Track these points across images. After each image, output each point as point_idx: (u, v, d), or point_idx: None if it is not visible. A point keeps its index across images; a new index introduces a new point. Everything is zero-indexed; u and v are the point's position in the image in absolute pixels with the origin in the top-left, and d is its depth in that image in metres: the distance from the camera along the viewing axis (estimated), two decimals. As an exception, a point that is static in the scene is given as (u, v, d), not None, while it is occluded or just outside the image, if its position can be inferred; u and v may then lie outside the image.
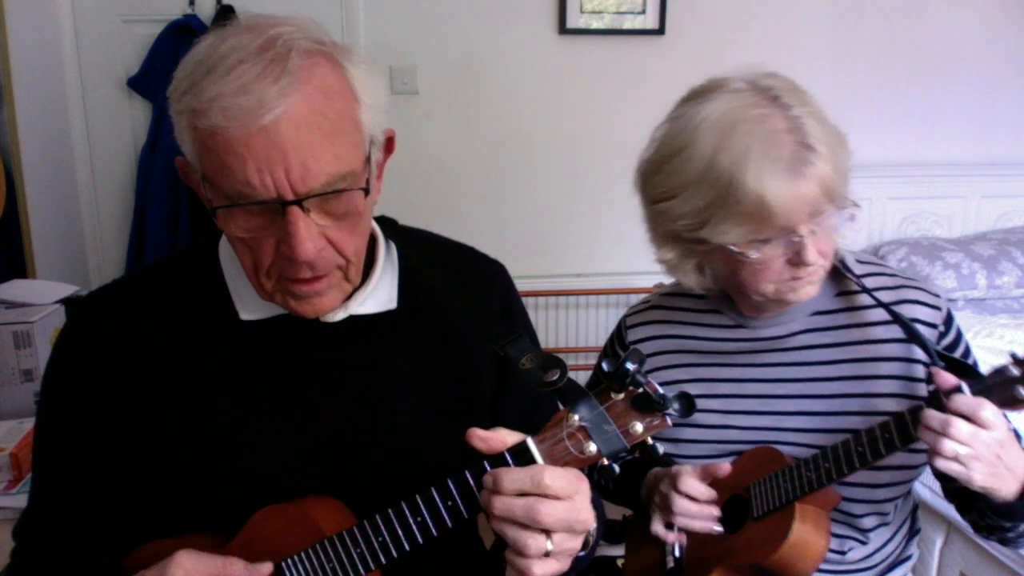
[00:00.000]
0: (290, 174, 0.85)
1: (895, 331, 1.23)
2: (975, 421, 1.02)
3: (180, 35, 2.95)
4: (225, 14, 2.96)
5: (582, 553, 0.90)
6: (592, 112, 3.23)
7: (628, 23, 3.16)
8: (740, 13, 3.19)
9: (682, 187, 1.17)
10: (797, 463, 1.20)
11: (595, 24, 3.15)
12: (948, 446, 1.02)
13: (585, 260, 3.37)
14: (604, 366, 0.83)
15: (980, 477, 1.04)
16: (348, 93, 0.89)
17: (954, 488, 1.23)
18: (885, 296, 1.25)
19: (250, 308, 1.02)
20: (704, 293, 1.33)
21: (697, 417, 1.31)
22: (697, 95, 1.20)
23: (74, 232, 3.10)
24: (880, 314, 1.25)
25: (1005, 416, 1.06)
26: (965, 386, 1.05)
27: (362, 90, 0.91)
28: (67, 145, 3.04)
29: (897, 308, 1.23)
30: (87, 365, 1.02)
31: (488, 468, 0.84)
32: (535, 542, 0.81)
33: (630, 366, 0.80)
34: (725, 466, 1.24)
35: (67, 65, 3.00)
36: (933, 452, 1.04)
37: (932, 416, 1.04)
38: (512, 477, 0.82)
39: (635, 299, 3.27)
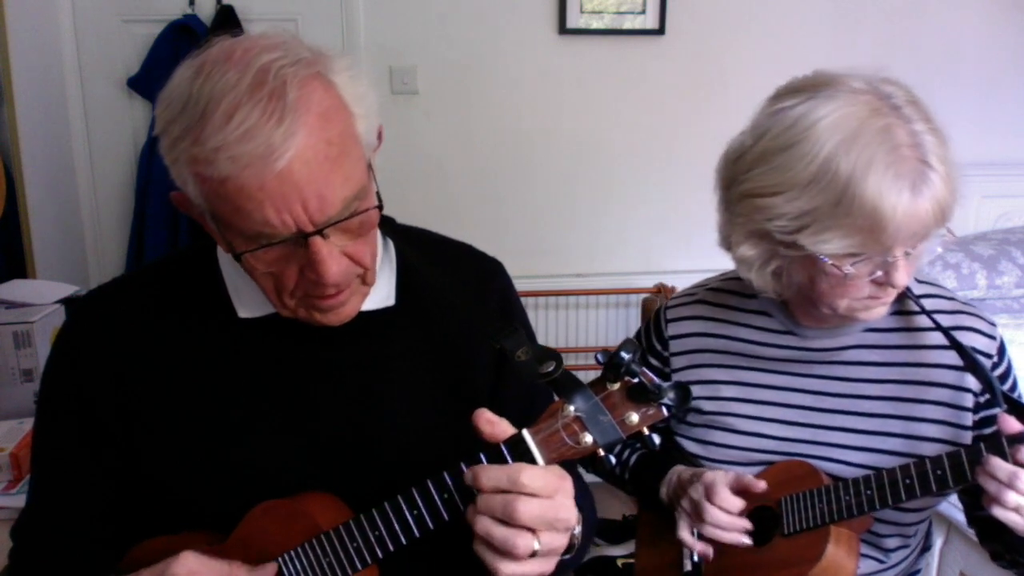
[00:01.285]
0: (308, 208, 0.85)
1: (949, 357, 1.20)
2: None
3: (180, 35, 2.95)
4: (225, 14, 2.96)
5: (567, 556, 0.90)
6: (592, 112, 3.23)
7: (628, 23, 3.16)
8: (740, 13, 3.19)
9: (789, 185, 1.09)
10: (836, 484, 1.17)
11: (595, 24, 3.15)
12: (1012, 499, 1.00)
13: (585, 260, 3.37)
14: (599, 357, 0.83)
15: None
16: (344, 110, 0.89)
17: (980, 516, 1.20)
18: (943, 320, 1.21)
19: (248, 306, 1.03)
20: (761, 294, 1.27)
21: (730, 421, 1.30)
22: (810, 89, 1.12)
23: (74, 232, 3.10)
24: (936, 338, 1.21)
25: None
26: None
27: (353, 101, 0.91)
28: (67, 145, 3.03)
29: (953, 334, 1.19)
30: (86, 364, 1.02)
31: (484, 460, 0.84)
32: (523, 541, 0.81)
33: (625, 355, 0.80)
34: (761, 484, 1.20)
35: (67, 65, 3.00)
36: (993, 501, 1.02)
37: (1000, 467, 1.01)
38: (490, 475, 0.82)
39: (635, 299, 3.30)
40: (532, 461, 0.84)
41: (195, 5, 2.99)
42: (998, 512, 1.02)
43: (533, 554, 0.82)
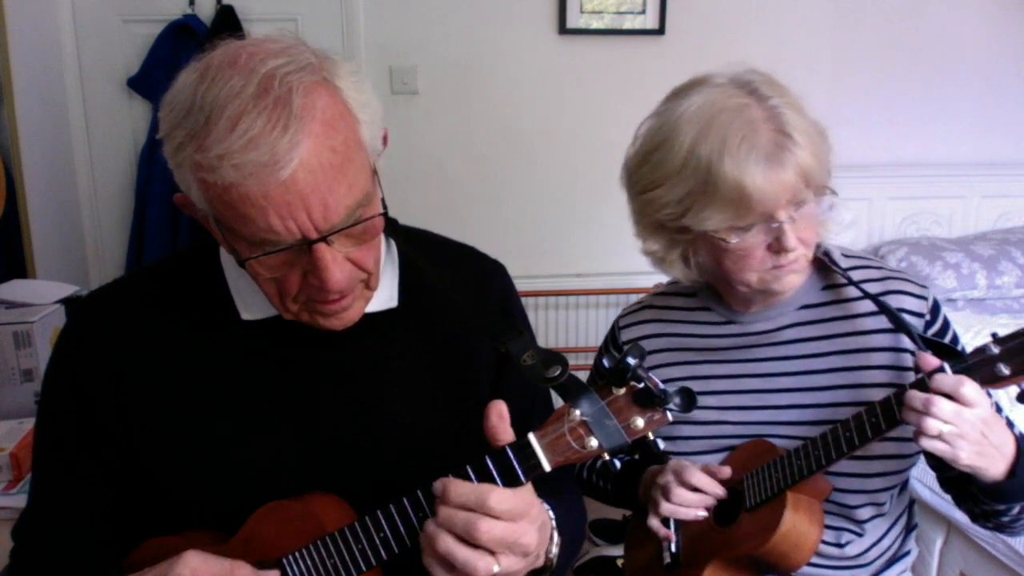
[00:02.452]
0: (312, 215, 0.85)
1: (882, 322, 1.25)
2: (957, 399, 1.04)
3: (180, 35, 2.96)
4: (225, 14, 2.96)
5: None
6: (592, 112, 3.23)
7: (628, 23, 3.16)
8: (740, 13, 3.19)
9: (665, 177, 1.20)
10: (788, 453, 1.21)
11: (595, 24, 3.15)
12: (931, 424, 1.03)
13: (585, 260, 3.37)
14: (605, 362, 0.83)
15: (966, 455, 1.05)
16: (348, 116, 0.89)
17: (948, 477, 1.25)
18: (872, 288, 1.26)
19: (251, 308, 1.02)
20: (691, 286, 1.36)
21: (693, 414, 1.30)
22: (680, 91, 1.24)
23: (74, 232, 3.10)
24: (867, 305, 1.26)
25: (989, 395, 1.08)
26: (947, 366, 1.07)
27: (358, 108, 0.90)
28: (67, 145, 3.04)
29: (884, 299, 1.24)
30: (87, 365, 1.02)
31: (489, 463, 0.84)
32: (484, 563, 0.81)
33: (631, 361, 0.80)
34: (726, 469, 1.26)
35: (67, 65, 3.00)
36: (918, 432, 1.05)
37: (915, 396, 1.06)
38: (459, 491, 0.82)
39: (635, 299, 3.30)
40: (538, 464, 0.84)
41: (195, 5, 2.99)
42: (925, 443, 1.05)
43: None
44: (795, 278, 1.23)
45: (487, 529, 0.80)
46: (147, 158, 3.00)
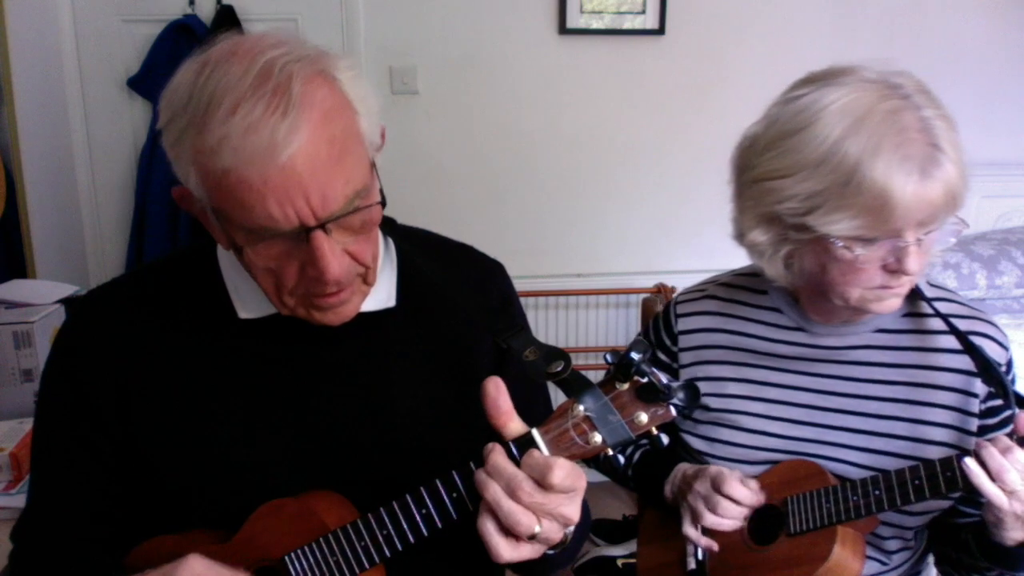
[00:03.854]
0: (311, 202, 0.85)
1: (960, 361, 1.20)
2: None
3: (180, 35, 2.95)
4: (225, 14, 2.96)
5: (553, 551, 0.90)
6: (592, 112, 3.23)
7: (628, 23, 3.16)
8: (740, 13, 3.19)
9: (799, 167, 1.11)
10: (843, 485, 1.17)
11: (595, 24, 3.15)
12: (1010, 477, 1.02)
13: (586, 260, 3.37)
14: (608, 357, 0.83)
15: (1012, 516, 1.04)
16: (347, 108, 0.89)
17: (943, 520, 1.23)
18: (958, 325, 1.20)
19: (249, 307, 1.02)
20: (774, 286, 1.29)
21: (736, 419, 1.30)
22: (822, 79, 1.15)
23: (74, 232, 3.10)
24: (947, 342, 1.21)
25: None
26: None
27: (357, 100, 0.91)
28: (67, 145, 3.03)
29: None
30: (86, 363, 1.02)
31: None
32: (527, 519, 0.81)
33: (635, 355, 0.80)
34: (760, 496, 1.23)
35: (67, 65, 2.99)
36: (992, 476, 1.03)
37: (1004, 447, 1.04)
38: (527, 461, 0.82)
39: (635, 299, 3.30)
40: None
41: (195, 5, 2.99)
42: (989, 491, 1.03)
43: (532, 537, 0.82)
44: (896, 302, 1.17)
45: (529, 491, 0.80)
46: (147, 158, 3.00)
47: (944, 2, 3.29)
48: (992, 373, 1.15)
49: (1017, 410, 1.08)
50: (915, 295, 1.23)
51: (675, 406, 0.81)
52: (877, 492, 1.13)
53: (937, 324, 1.22)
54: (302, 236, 0.87)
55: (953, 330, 1.19)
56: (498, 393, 0.84)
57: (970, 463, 1.04)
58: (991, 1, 3.31)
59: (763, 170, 1.16)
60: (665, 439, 0.83)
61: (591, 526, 1.13)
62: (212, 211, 0.90)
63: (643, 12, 3.15)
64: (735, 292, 1.37)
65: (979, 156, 3.43)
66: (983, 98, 3.38)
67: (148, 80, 2.98)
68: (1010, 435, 1.06)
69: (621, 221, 3.31)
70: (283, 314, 0.98)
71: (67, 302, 1.97)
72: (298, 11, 3.05)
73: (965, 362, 1.19)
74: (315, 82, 0.86)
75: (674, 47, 3.18)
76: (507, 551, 0.83)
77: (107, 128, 3.09)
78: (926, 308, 1.23)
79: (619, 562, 2.78)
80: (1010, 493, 1.02)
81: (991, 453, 1.03)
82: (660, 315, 1.43)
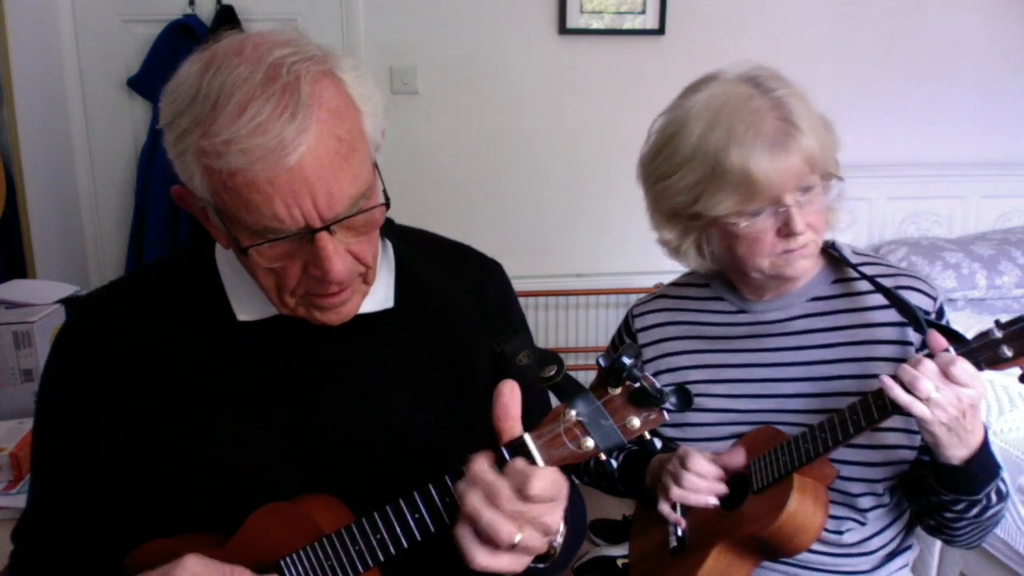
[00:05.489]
0: (317, 203, 0.85)
1: (890, 315, 1.29)
2: (949, 377, 1.09)
3: (180, 35, 2.96)
4: (225, 14, 2.96)
5: (542, 565, 0.90)
6: (592, 112, 3.23)
7: (628, 23, 3.16)
8: (740, 13, 3.19)
9: (677, 166, 1.26)
10: (795, 437, 1.24)
11: (595, 24, 3.15)
12: (922, 384, 1.08)
13: (586, 260, 3.37)
14: (600, 361, 0.83)
15: (938, 425, 1.10)
16: (352, 108, 0.89)
17: (912, 475, 1.28)
18: (883, 283, 1.29)
19: (247, 308, 1.02)
20: (705, 275, 1.41)
21: (702, 401, 1.37)
22: (690, 88, 1.31)
23: (74, 232, 3.10)
24: (876, 299, 1.31)
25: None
26: (951, 348, 1.12)
27: (361, 99, 0.91)
28: (67, 145, 3.04)
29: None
30: (85, 365, 1.01)
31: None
32: (507, 528, 0.80)
33: (627, 360, 0.80)
34: (738, 454, 1.29)
35: (67, 65, 3.00)
36: (908, 389, 1.10)
37: (916, 361, 1.11)
38: (506, 469, 0.82)
39: (635, 299, 3.29)
40: (533, 464, 0.83)
41: (195, 5, 2.99)
42: (906, 402, 1.09)
43: (512, 547, 0.81)
44: (806, 263, 1.27)
45: (508, 498, 0.80)
46: (147, 158, 3.00)
47: (944, 2, 3.29)
48: (909, 310, 1.24)
49: (929, 331, 1.16)
50: (841, 262, 1.35)
51: (667, 410, 0.81)
52: (823, 435, 1.20)
53: (865, 285, 1.32)
54: (306, 237, 0.87)
55: (877, 286, 1.29)
56: (511, 398, 0.84)
57: (885, 378, 1.12)
58: (991, 1, 3.31)
59: (655, 175, 1.32)
60: (658, 443, 0.83)
61: (586, 531, 1.13)
62: (215, 211, 0.90)
63: (643, 12, 3.15)
64: (683, 289, 1.49)
65: (979, 156, 3.46)
66: (983, 98, 3.38)
67: (148, 80, 2.99)
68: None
69: (621, 221, 3.31)
70: (283, 314, 0.98)
71: (67, 302, 1.97)
72: (298, 11, 3.06)
73: (896, 315, 1.28)
74: (322, 82, 0.86)
75: (674, 47, 3.19)
76: (483, 556, 0.82)
77: (107, 128, 3.10)
78: (853, 272, 1.33)
79: (619, 562, 2.78)
80: (926, 401, 1.08)
81: (903, 368, 1.11)
82: (621, 324, 1.54)
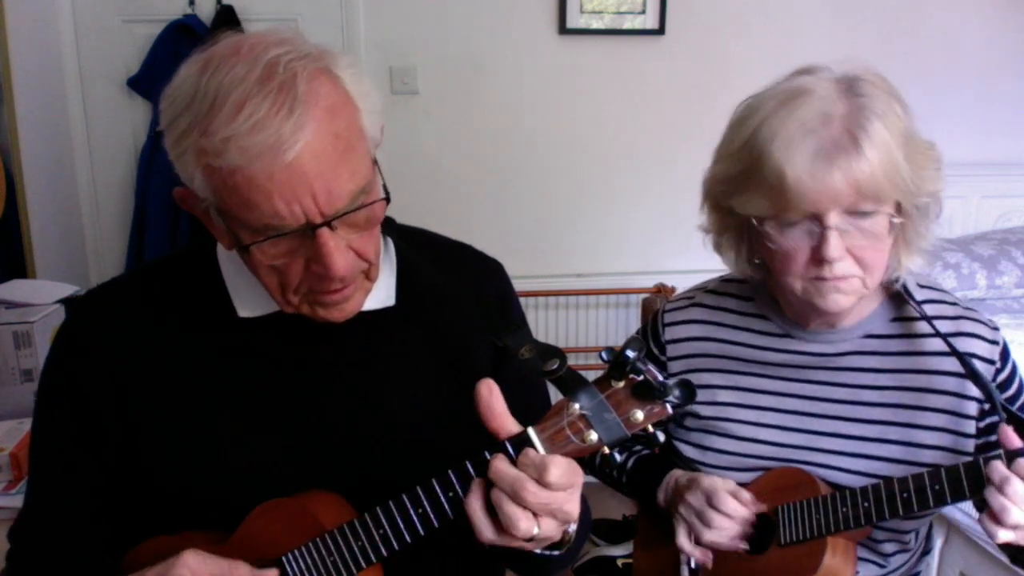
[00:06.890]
0: (317, 199, 0.85)
1: (951, 364, 1.18)
2: None
3: (180, 35, 2.95)
4: (225, 14, 2.96)
5: (556, 552, 0.90)
6: (592, 112, 3.23)
7: (628, 23, 3.16)
8: (740, 13, 3.19)
9: (728, 153, 1.18)
10: (833, 496, 1.16)
11: (595, 24, 3.15)
12: (1014, 515, 0.99)
13: (586, 260, 3.37)
14: (603, 355, 0.83)
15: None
16: (350, 104, 0.90)
17: None
18: (944, 327, 1.20)
19: (248, 305, 1.02)
20: (752, 288, 1.31)
21: (728, 426, 1.29)
22: (787, 76, 1.17)
23: (74, 232, 3.10)
24: (938, 344, 1.19)
25: None
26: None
27: (358, 96, 0.91)
28: (67, 145, 3.04)
29: (954, 340, 1.18)
30: (84, 363, 1.01)
31: (488, 457, 0.84)
32: (526, 523, 0.81)
33: (630, 354, 0.80)
34: (759, 505, 1.22)
35: (67, 65, 3.00)
36: (994, 518, 1.01)
37: (1003, 480, 1.00)
38: (523, 459, 0.82)
39: (635, 299, 3.30)
40: None
41: (195, 5, 2.99)
42: (999, 534, 1.01)
43: (530, 539, 0.82)
44: (841, 298, 1.13)
45: (534, 492, 0.80)
46: (147, 158, 3.00)
47: (944, 2, 3.29)
48: (978, 378, 1.14)
49: (1001, 424, 1.06)
50: (903, 298, 1.23)
51: (671, 403, 0.81)
52: (866, 504, 1.12)
53: (927, 327, 1.20)
54: (308, 234, 0.87)
55: (937, 333, 1.18)
56: (491, 396, 0.84)
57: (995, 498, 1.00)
58: (990, 2, 3.31)
59: (715, 155, 1.23)
60: (661, 436, 0.83)
61: (591, 525, 1.13)
62: (216, 210, 0.90)
63: (643, 12, 3.15)
64: (722, 300, 1.36)
65: (978, 156, 3.46)
66: (982, 98, 3.38)
67: (148, 80, 2.99)
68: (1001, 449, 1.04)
69: (621, 221, 3.31)
70: (286, 312, 0.98)
71: (67, 302, 1.98)
72: (298, 11, 3.06)
73: (957, 364, 1.17)
74: (318, 79, 0.86)
75: (674, 47, 3.19)
76: (491, 533, 0.83)
77: (107, 128, 3.09)
78: (915, 311, 1.21)
79: (619, 562, 2.78)
80: (1013, 527, 1.00)
81: (992, 494, 1.00)
82: (648, 325, 1.42)
